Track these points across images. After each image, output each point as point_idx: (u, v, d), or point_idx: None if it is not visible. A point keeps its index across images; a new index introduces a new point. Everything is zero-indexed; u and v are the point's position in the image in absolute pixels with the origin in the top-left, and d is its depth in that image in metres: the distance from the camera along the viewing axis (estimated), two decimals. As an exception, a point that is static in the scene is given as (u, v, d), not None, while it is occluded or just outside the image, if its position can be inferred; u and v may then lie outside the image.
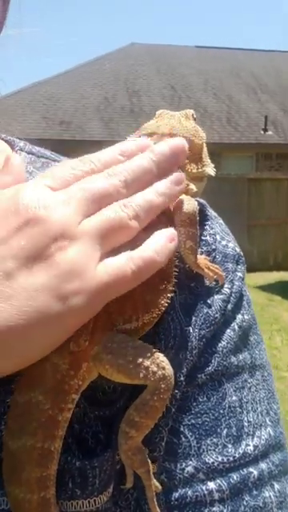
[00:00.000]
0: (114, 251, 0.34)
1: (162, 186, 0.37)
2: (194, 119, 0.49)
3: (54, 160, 0.53)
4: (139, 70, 12.47)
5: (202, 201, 0.51)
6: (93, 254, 0.32)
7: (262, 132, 10.92)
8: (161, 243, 0.36)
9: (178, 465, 0.40)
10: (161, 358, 0.35)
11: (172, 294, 0.40)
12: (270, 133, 10.84)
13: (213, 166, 0.49)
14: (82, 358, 0.34)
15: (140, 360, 0.34)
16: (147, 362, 0.34)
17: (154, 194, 0.36)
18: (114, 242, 0.34)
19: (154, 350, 0.35)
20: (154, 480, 0.37)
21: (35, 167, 0.51)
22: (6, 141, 0.52)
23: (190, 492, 0.39)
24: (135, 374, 0.34)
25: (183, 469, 0.40)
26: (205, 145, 0.49)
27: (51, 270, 0.31)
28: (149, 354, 0.35)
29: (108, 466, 0.36)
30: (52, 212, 0.32)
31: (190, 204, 0.42)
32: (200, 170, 0.47)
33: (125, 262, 0.33)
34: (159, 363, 0.35)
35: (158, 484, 0.38)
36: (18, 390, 0.34)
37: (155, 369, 0.34)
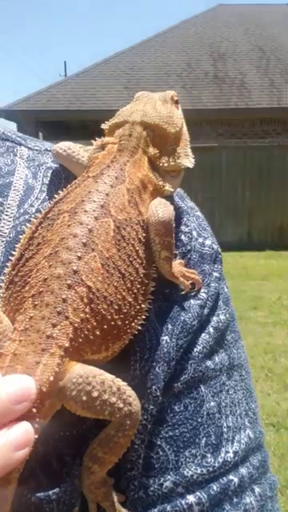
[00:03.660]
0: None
1: None
2: (176, 102, 0.45)
3: (19, 144, 0.50)
4: (225, 33, 11.84)
5: (178, 191, 0.47)
6: None
7: None
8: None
9: (156, 480, 0.39)
10: (127, 392, 0.34)
11: (147, 314, 0.39)
12: None
13: (192, 156, 0.44)
14: (46, 394, 0.32)
15: (106, 397, 0.33)
16: (113, 399, 0.33)
17: None
18: None
19: (122, 383, 0.34)
20: (123, 510, 0.37)
21: None
22: None
23: (168, 507, 0.38)
24: (100, 411, 0.33)
25: (161, 484, 0.39)
26: (185, 132, 0.44)
27: None
28: (115, 390, 0.34)
29: (67, 496, 0.35)
30: None
31: (165, 211, 0.39)
32: (172, 163, 0.43)
33: None
34: (126, 399, 0.34)
35: None
36: None
37: (121, 405, 0.33)
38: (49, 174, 0.47)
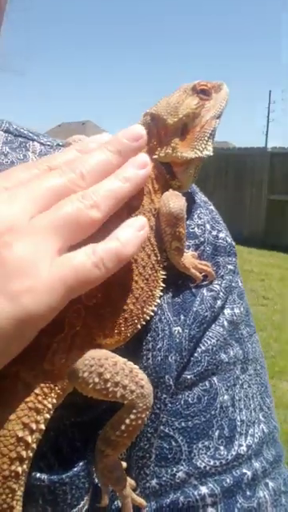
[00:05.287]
0: (80, 245, 0.32)
1: (123, 171, 0.35)
2: (201, 91, 0.43)
3: (32, 139, 0.51)
4: None
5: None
6: (46, 249, 0.30)
7: None
8: (128, 233, 0.34)
9: (169, 470, 0.40)
10: (140, 375, 0.35)
11: (159, 301, 0.39)
12: None
13: (204, 149, 0.42)
14: (57, 376, 0.33)
15: (118, 378, 0.34)
16: (125, 381, 0.34)
17: (115, 181, 0.35)
18: (74, 234, 0.32)
19: (134, 366, 0.35)
20: (134, 495, 0.37)
21: (11, 148, 0.49)
22: None
23: (181, 498, 0.39)
24: (112, 393, 0.34)
25: (174, 474, 0.39)
26: (202, 123, 0.43)
27: None
28: (127, 372, 0.34)
29: (80, 480, 0.35)
30: None
31: (176, 202, 0.40)
32: (162, 154, 0.42)
33: (84, 255, 0.31)
34: (138, 381, 0.34)
35: (140, 500, 0.38)
36: None
37: (133, 387, 0.34)
38: None
